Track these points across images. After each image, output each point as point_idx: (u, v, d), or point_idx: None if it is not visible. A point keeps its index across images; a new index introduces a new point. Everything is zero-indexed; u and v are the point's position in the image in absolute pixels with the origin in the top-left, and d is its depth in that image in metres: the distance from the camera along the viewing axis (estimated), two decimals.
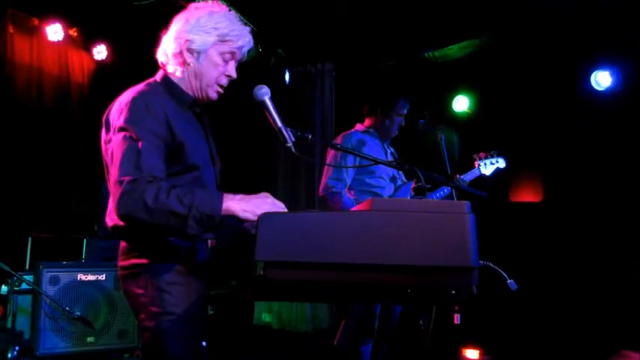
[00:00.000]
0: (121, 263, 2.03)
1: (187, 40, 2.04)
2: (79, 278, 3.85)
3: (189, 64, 2.07)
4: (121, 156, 1.85)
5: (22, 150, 5.09)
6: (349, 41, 5.62)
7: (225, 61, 2.11)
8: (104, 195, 4.87)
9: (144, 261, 1.94)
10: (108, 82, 5.63)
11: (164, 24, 2.17)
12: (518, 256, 4.94)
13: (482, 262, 1.28)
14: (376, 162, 2.13)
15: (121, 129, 1.89)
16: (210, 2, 2.16)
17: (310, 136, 2.11)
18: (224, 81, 2.14)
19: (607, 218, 4.80)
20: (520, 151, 5.16)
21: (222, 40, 2.07)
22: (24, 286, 3.72)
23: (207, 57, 2.08)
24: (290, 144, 2.08)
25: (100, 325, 3.86)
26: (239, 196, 1.84)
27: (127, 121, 1.89)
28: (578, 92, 5.12)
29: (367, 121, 3.94)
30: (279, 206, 1.85)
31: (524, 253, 5.00)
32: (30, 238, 4.69)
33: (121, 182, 1.79)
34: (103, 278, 3.95)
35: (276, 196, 1.98)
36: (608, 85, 4.97)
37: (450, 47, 5.57)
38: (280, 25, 5.44)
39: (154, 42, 2.18)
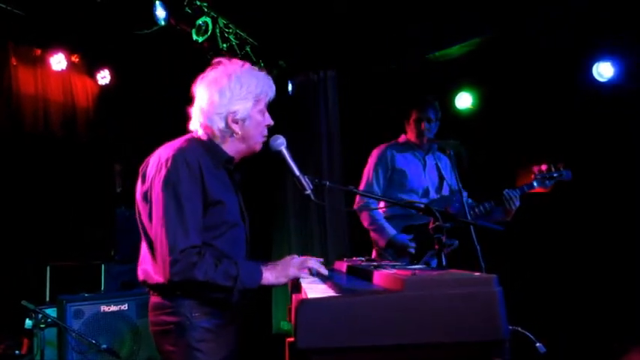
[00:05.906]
0: (152, 319, 2.11)
1: (231, 113, 2.15)
2: (102, 310, 3.91)
3: (237, 133, 2.18)
4: (166, 219, 1.94)
5: (32, 178, 5.14)
6: (350, 47, 5.61)
7: (263, 114, 2.22)
8: (119, 220, 4.97)
9: (173, 319, 2.02)
10: (113, 104, 5.69)
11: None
12: (529, 247, 5.00)
13: (510, 327, 1.32)
14: (395, 204, 2.17)
15: (165, 188, 1.98)
16: (229, 62, 2.21)
17: (328, 183, 2.17)
18: (266, 132, 2.26)
19: (613, 210, 4.82)
20: (524, 144, 5.17)
21: (257, 99, 2.18)
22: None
23: (250, 120, 2.18)
24: (309, 191, 2.16)
25: (126, 354, 3.92)
26: (269, 266, 2.06)
27: (170, 180, 1.98)
28: (580, 84, 5.11)
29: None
30: (306, 263, 2.06)
31: (535, 246, 5.05)
32: (48, 267, 4.76)
33: (171, 249, 1.91)
34: (126, 308, 4.00)
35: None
36: (611, 76, 4.96)
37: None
38: (280, 36, 5.44)
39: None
